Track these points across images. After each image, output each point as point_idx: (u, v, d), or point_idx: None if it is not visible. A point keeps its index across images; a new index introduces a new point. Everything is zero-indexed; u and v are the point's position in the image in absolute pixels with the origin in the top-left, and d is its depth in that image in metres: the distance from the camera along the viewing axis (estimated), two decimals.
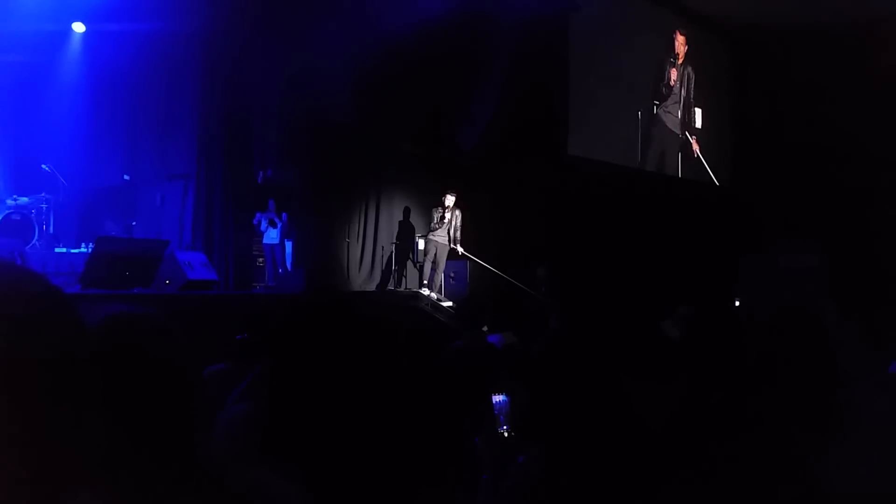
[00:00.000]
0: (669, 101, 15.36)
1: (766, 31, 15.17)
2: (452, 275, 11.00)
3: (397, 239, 11.61)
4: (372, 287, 11.31)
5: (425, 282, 10.63)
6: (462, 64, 11.52)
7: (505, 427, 2.49)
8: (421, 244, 11.24)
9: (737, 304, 8.31)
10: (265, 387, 1.63)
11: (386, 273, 11.61)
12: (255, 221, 10.28)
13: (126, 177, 10.08)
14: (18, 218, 9.00)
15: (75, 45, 10.11)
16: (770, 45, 15.45)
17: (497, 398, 2.52)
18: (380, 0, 10.46)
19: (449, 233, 10.58)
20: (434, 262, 10.59)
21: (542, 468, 1.70)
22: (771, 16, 14.60)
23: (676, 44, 15.46)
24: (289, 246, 10.65)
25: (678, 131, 15.58)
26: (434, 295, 10.42)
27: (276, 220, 10.22)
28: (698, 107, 15.94)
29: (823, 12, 14.09)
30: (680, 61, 15.53)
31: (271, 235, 10.25)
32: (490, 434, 2.46)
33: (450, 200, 10.58)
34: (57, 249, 9.22)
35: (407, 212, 11.74)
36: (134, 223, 9.93)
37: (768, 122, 15.39)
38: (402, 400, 1.50)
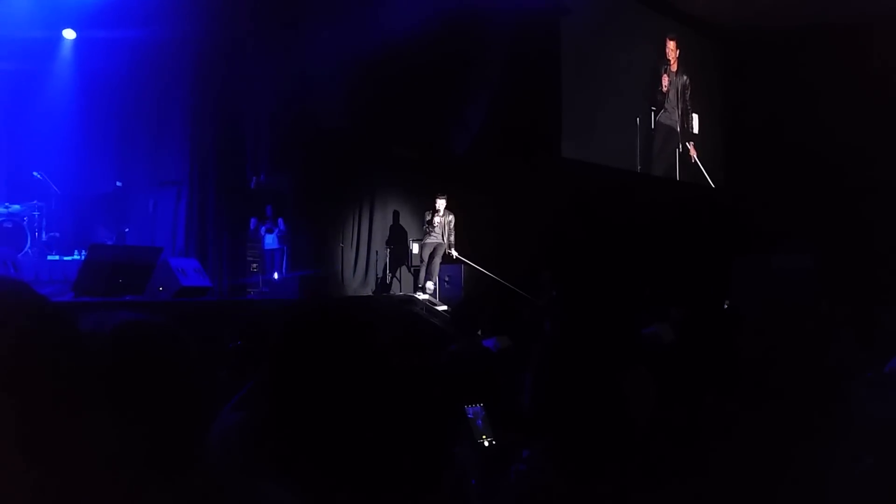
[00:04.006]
0: (667, 108, 15.39)
1: (759, 33, 15.23)
2: (447, 278, 10.99)
3: (391, 243, 11.60)
4: (367, 291, 11.29)
5: (420, 285, 10.62)
6: (454, 68, 11.53)
7: (485, 437, 2.47)
8: (415, 248, 11.23)
9: (725, 306, 8.30)
10: (262, 395, 1.62)
11: (381, 277, 11.59)
12: (251, 227, 10.24)
13: (118, 183, 10.05)
14: (10, 226, 8.95)
15: (66, 52, 10.07)
16: (762, 48, 15.50)
17: (471, 408, 2.50)
18: (372, 5, 10.47)
19: (443, 236, 10.58)
20: (428, 260, 10.59)
21: (548, 462, 1.70)
22: (763, 18, 14.65)
23: (668, 50, 15.50)
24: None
25: (676, 138, 15.63)
26: (425, 296, 10.41)
27: (273, 226, 10.21)
28: (695, 112, 15.99)
29: (816, 14, 14.15)
30: (673, 68, 15.57)
31: (270, 241, 10.24)
32: (470, 444, 2.45)
33: (440, 204, 10.57)
34: (49, 257, 9.18)
35: (396, 215, 11.72)
36: (127, 230, 9.89)
37: (762, 123, 15.43)
38: (399, 406, 1.49)
